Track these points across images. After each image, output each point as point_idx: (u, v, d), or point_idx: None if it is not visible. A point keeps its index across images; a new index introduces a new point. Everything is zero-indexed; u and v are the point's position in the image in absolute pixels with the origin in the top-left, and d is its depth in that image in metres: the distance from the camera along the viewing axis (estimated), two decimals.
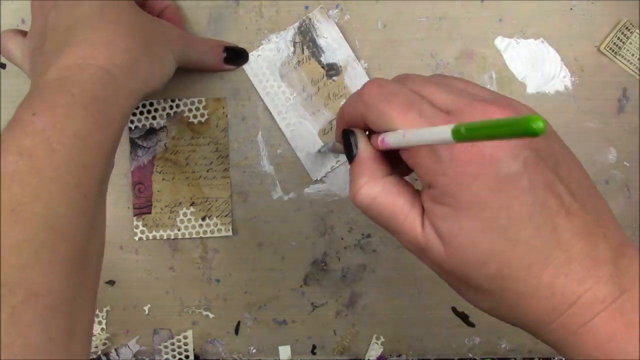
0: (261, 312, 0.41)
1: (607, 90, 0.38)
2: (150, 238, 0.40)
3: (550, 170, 0.23)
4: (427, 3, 0.38)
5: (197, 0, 0.38)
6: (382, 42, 0.38)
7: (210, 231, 0.40)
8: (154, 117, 0.39)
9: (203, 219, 0.40)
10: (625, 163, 0.39)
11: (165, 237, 0.40)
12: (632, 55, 0.38)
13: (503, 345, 0.41)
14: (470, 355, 0.41)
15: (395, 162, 0.27)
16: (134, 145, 0.39)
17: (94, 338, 0.41)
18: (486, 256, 0.23)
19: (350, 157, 0.27)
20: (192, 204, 0.39)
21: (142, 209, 0.40)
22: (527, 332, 0.25)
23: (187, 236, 0.40)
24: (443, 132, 0.19)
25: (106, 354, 0.42)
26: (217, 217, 0.39)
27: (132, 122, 0.39)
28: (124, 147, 0.39)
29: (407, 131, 0.23)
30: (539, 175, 0.23)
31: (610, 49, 0.38)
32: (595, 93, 0.39)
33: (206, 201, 0.39)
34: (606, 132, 0.39)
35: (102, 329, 0.41)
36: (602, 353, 0.23)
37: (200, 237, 0.40)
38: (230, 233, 0.40)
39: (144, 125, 0.39)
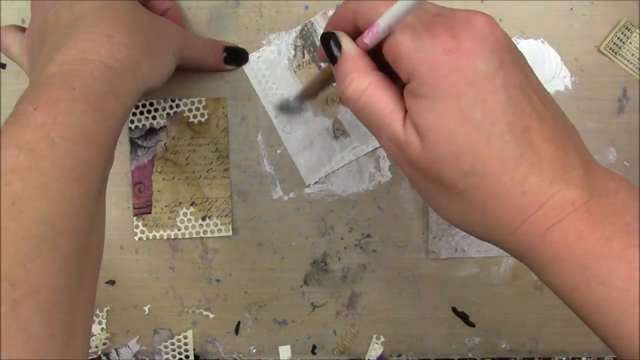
0: (261, 312, 0.41)
1: (607, 90, 0.38)
2: (150, 238, 0.40)
3: (524, 77, 0.24)
4: (427, 3, 0.38)
5: (197, 0, 0.38)
6: None
7: (210, 231, 0.40)
8: (154, 117, 0.39)
9: (203, 218, 0.40)
10: (625, 163, 0.39)
11: (165, 237, 0.40)
12: (632, 55, 0.38)
13: (503, 345, 0.41)
14: (470, 355, 0.41)
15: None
16: (134, 145, 0.39)
17: (93, 338, 0.41)
18: (461, 150, 0.23)
19: (333, 57, 0.27)
20: (192, 204, 0.39)
21: (142, 208, 0.40)
22: (495, 245, 0.25)
23: (187, 236, 0.40)
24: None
25: (106, 354, 0.42)
26: (217, 217, 0.39)
27: (132, 122, 0.39)
28: (123, 147, 0.39)
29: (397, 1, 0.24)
30: (514, 76, 0.24)
31: (610, 49, 0.38)
32: (595, 93, 0.39)
33: (206, 201, 0.39)
34: (606, 132, 0.39)
35: (102, 329, 0.41)
36: (568, 253, 0.23)
37: (200, 237, 0.40)
38: (230, 233, 0.40)
39: (144, 125, 0.39)
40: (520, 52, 0.25)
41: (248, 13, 0.38)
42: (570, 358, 0.41)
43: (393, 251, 0.40)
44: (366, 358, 0.41)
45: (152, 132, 0.39)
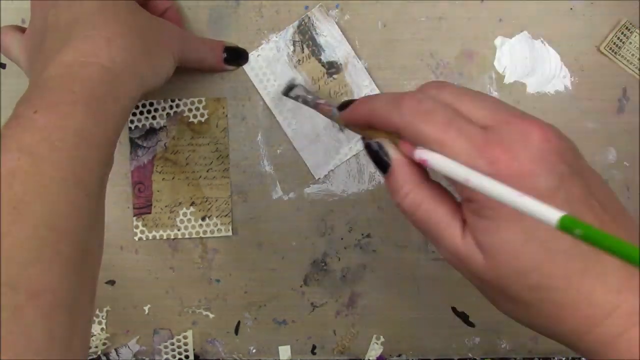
0: (261, 312, 0.41)
1: (607, 90, 0.38)
2: (150, 238, 0.40)
3: (584, 185, 0.24)
4: (427, 3, 0.38)
5: (197, 0, 0.38)
6: (382, 42, 0.38)
7: (210, 231, 0.40)
8: (154, 117, 0.39)
9: (203, 219, 0.40)
10: (625, 163, 0.39)
11: (165, 237, 0.40)
12: (632, 55, 0.38)
13: (503, 345, 0.41)
14: (470, 355, 0.41)
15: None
16: (134, 145, 0.39)
17: (93, 338, 0.41)
18: (527, 268, 0.23)
19: (384, 166, 0.27)
20: (192, 204, 0.39)
21: (142, 209, 0.40)
22: (564, 345, 0.25)
23: (187, 236, 0.40)
24: (546, 213, 0.20)
25: (106, 354, 0.42)
26: (217, 217, 0.39)
27: (132, 122, 0.39)
28: (123, 147, 0.39)
29: (478, 177, 0.23)
30: (574, 188, 0.23)
31: (610, 49, 0.38)
32: (595, 93, 0.39)
33: (206, 201, 0.39)
34: (606, 132, 0.39)
35: (102, 329, 0.41)
36: None
37: (200, 237, 0.40)
38: (230, 233, 0.40)
39: (143, 125, 0.39)
40: (575, 151, 0.25)
41: (248, 13, 0.38)
42: (570, 358, 0.41)
43: (393, 251, 0.40)
44: (366, 358, 0.41)
45: (152, 132, 0.39)
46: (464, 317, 0.41)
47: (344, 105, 0.30)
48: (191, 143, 0.39)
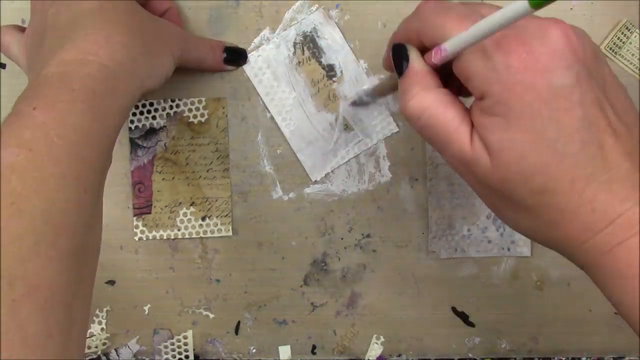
0: (261, 312, 0.41)
1: None
2: (150, 238, 0.40)
3: (600, 90, 0.23)
4: None
5: (197, 0, 0.38)
6: (382, 42, 0.38)
7: (210, 231, 0.40)
8: (154, 117, 0.39)
9: (203, 219, 0.40)
10: None
11: (165, 237, 0.40)
12: (632, 55, 0.38)
13: (503, 345, 0.41)
14: (470, 355, 0.41)
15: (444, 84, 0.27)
16: (134, 145, 0.39)
17: (93, 338, 0.41)
18: (533, 169, 0.23)
19: (400, 68, 0.27)
20: (192, 204, 0.39)
21: (142, 209, 0.40)
22: (560, 254, 0.25)
23: (187, 236, 0.40)
24: (517, 5, 0.20)
25: (106, 354, 0.42)
26: (217, 217, 0.39)
27: (132, 122, 0.39)
28: (123, 147, 0.39)
29: (471, 27, 0.23)
30: (590, 91, 0.23)
31: (610, 49, 0.38)
32: None
33: (206, 201, 0.39)
34: None
35: (102, 329, 0.41)
36: (634, 271, 0.23)
37: (200, 237, 0.40)
38: (230, 233, 0.40)
39: (144, 125, 0.39)
40: (597, 55, 0.25)
41: (248, 13, 0.38)
42: (570, 358, 0.41)
43: (393, 251, 0.40)
44: (366, 358, 0.41)
45: (152, 132, 0.39)
46: (464, 317, 0.41)
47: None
48: (191, 143, 0.39)
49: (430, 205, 0.39)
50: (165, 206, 0.39)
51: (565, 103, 0.23)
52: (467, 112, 0.26)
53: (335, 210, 0.40)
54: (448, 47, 0.24)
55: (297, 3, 0.38)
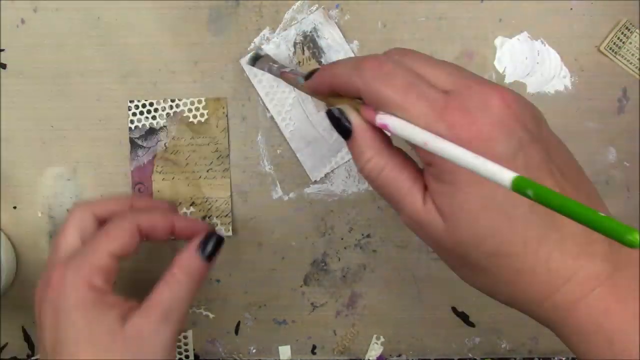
0: (261, 312, 0.41)
1: (607, 90, 0.38)
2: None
3: (544, 151, 0.24)
4: (427, 3, 0.38)
5: (197, 0, 0.38)
6: (382, 42, 0.38)
7: None
8: (153, 117, 0.39)
9: (203, 219, 0.40)
10: (625, 163, 0.39)
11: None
12: (632, 55, 0.38)
13: (503, 345, 0.41)
14: (470, 355, 0.41)
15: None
16: (134, 145, 0.39)
17: None
18: (485, 233, 0.23)
19: (346, 132, 0.26)
20: (192, 204, 0.39)
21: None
22: (523, 313, 0.26)
23: None
24: (499, 174, 0.20)
25: None
26: (217, 217, 0.39)
27: (132, 122, 0.39)
28: (123, 148, 0.39)
29: (435, 140, 0.23)
30: (534, 155, 0.23)
31: (610, 49, 0.38)
32: (595, 93, 0.39)
33: (206, 201, 0.39)
34: (606, 132, 0.39)
35: None
36: (596, 327, 0.23)
37: None
38: (230, 233, 0.40)
39: (143, 125, 0.39)
40: (537, 118, 0.25)
41: (248, 13, 0.38)
42: (570, 358, 0.41)
43: (393, 251, 0.40)
44: (366, 358, 0.41)
45: (152, 132, 0.39)
46: (464, 317, 0.41)
47: (310, 75, 0.29)
48: (191, 143, 0.39)
49: None
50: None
51: (511, 168, 0.23)
52: (420, 171, 0.26)
53: (335, 210, 0.40)
54: (397, 130, 0.24)
55: (297, 3, 0.38)
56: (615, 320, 0.23)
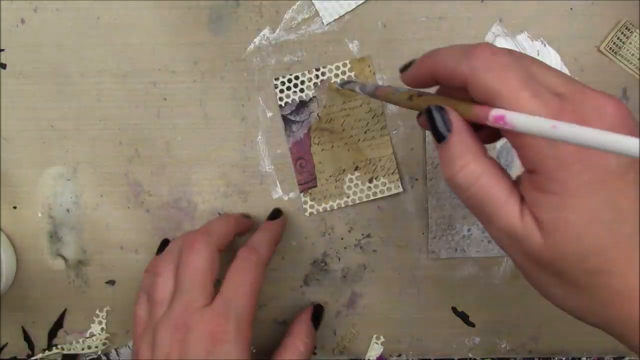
0: (261, 312, 0.41)
1: (607, 90, 0.38)
2: (321, 211, 0.40)
3: None
4: (427, 3, 0.38)
5: (197, 0, 0.38)
6: (382, 42, 0.38)
7: (380, 191, 0.39)
8: (301, 90, 0.39)
9: (370, 180, 0.39)
10: None
11: (336, 207, 0.39)
12: (632, 55, 0.38)
13: (503, 345, 0.41)
14: (470, 355, 0.41)
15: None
16: (287, 122, 0.39)
17: (94, 338, 0.42)
18: (589, 250, 0.23)
19: (441, 135, 0.25)
20: (356, 168, 0.39)
21: (307, 183, 0.39)
22: (610, 335, 0.25)
23: (357, 201, 0.39)
24: (629, 144, 0.18)
25: (106, 354, 0.42)
26: (383, 176, 0.39)
27: (280, 99, 0.39)
28: (126, 148, 0.39)
29: (562, 125, 0.20)
30: None
31: (610, 49, 0.38)
32: None
33: (370, 163, 0.39)
34: None
35: (102, 329, 0.41)
36: None
37: (371, 200, 0.40)
38: (400, 189, 0.39)
39: (293, 100, 0.39)
40: None
41: (248, 13, 0.38)
42: (570, 358, 0.41)
43: (393, 251, 0.40)
44: (366, 358, 0.41)
45: (302, 105, 0.39)
46: (464, 317, 0.41)
47: (407, 65, 0.28)
48: (343, 108, 0.39)
49: (430, 205, 0.39)
50: (330, 176, 0.39)
51: (621, 184, 0.22)
52: (515, 184, 0.25)
53: (335, 211, 0.40)
54: (516, 125, 0.22)
55: (297, 3, 0.38)
56: None
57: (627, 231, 0.22)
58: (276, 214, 0.39)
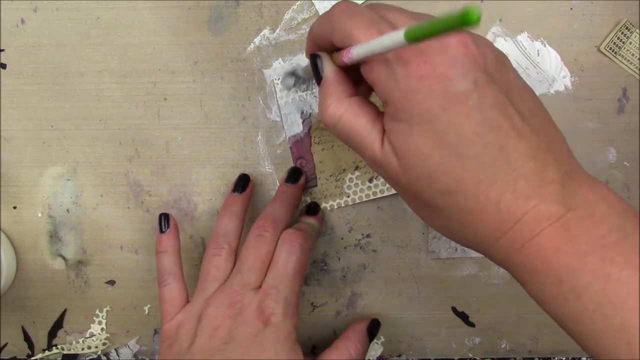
0: None
1: (607, 90, 0.38)
2: (322, 209, 0.40)
3: (502, 93, 0.24)
4: (427, 3, 0.38)
5: (197, 0, 0.38)
6: None
7: (380, 191, 0.39)
8: (301, 90, 0.39)
9: (370, 180, 0.39)
10: (625, 163, 0.39)
11: (336, 207, 0.39)
12: (632, 55, 0.38)
13: (503, 345, 0.41)
14: (470, 355, 0.41)
15: (358, 84, 0.29)
16: (287, 121, 0.39)
17: (94, 338, 0.42)
18: (437, 171, 0.24)
19: (318, 78, 0.28)
20: (356, 168, 0.39)
21: (308, 182, 0.39)
22: (479, 253, 0.26)
23: (357, 201, 0.39)
24: (396, 36, 0.22)
25: (106, 354, 0.42)
26: None
27: (281, 98, 0.39)
28: (125, 148, 0.39)
29: (368, 41, 0.24)
30: (489, 96, 0.24)
31: (610, 49, 0.38)
32: (595, 93, 0.39)
33: None
34: (606, 132, 0.39)
35: (102, 329, 0.41)
36: (546, 266, 0.23)
37: (371, 199, 0.40)
38: None
39: (293, 100, 0.39)
40: (501, 61, 0.25)
41: (248, 13, 0.38)
42: (570, 358, 0.41)
43: (393, 251, 0.40)
44: (366, 358, 0.41)
45: (302, 105, 0.39)
46: (464, 317, 0.41)
47: None
48: None
49: None
50: (330, 176, 0.39)
51: (464, 108, 0.23)
52: (380, 116, 0.27)
53: (335, 211, 0.40)
54: (354, 53, 0.25)
55: (297, 3, 0.38)
56: (564, 259, 0.23)
57: (473, 152, 0.23)
58: (297, 175, 0.38)
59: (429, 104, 0.24)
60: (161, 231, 0.37)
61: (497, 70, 0.25)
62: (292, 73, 0.38)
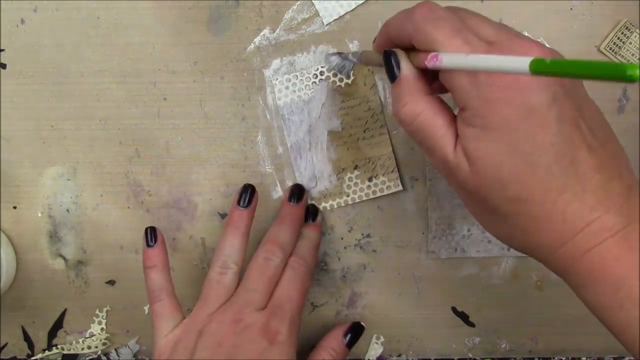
0: None
1: (607, 90, 0.38)
2: (321, 210, 0.40)
3: (576, 108, 0.25)
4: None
5: (197, 0, 0.38)
6: None
7: (380, 190, 0.39)
8: (300, 90, 0.39)
9: (369, 179, 0.39)
10: None
11: (336, 206, 0.40)
12: (632, 55, 0.38)
13: (503, 345, 0.41)
14: (470, 355, 0.41)
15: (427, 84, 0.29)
16: (287, 122, 0.39)
17: (94, 338, 0.42)
18: (508, 178, 0.25)
19: (393, 75, 0.28)
20: (356, 167, 0.39)
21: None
22: (537, 260, 0.27)
23: (357, 200, 0.39)
24: (520, 64, 0.21)
25: (106, 354, 0.42)
26: (383, 175, 0.39)
27: (279, 99, 0.39)
28: (127, 148, 0.39)
29: (471, 55, 0.24)
30: (566, 110, 0.24)
31: (610, 49, 0.38)
32: (595, 93, 0.38)
33: (369, 161, 0.39)
34: None
35: (102, 329, 0.41)
36: (604, 275, 0.24)
37: (371, 199, 0.40)
38: (400, 188, 0.39)
39: (292, 100, 0.39)
40: (576, 79, 0.26)
41: (248, 13, 0.38)
42: (570, 358, 0.41)
43: (393, 251, 0.40)
44: (366, 358, 0.41)
45: (302, 105, 0.39)
46: (464, 317, 0.41)
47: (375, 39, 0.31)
48: (342, 107, 0.39)
49: (430, 205, 0.39)
50: (330, 175, 0.39)
51: (542, 120, 0.24)
52: (454, 119, 0.27)
53: (335, 210, 0.40)
54: (444, 61, 0.25)
55: (297, 3, 0.38)
56: (623, 268, 0.24)
57: (545, 162, 0.24)
58: (300, 193, 0.39)
59: (508, 112, 0.24)
60: (148, 245, 0.36)
61: (573, 86, 0.25)
62: (340, 54, 0.37)
